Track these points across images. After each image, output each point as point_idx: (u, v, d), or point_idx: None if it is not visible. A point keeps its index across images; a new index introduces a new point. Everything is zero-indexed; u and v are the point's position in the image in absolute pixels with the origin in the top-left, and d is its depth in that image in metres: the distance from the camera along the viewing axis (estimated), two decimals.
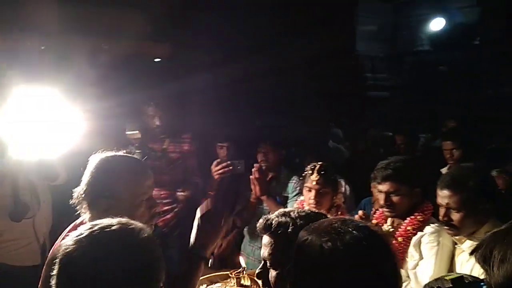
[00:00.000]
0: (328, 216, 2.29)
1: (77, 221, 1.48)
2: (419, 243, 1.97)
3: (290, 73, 6.18)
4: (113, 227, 0.97)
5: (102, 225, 0.98)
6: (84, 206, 1.41)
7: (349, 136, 5.04)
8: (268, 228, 1.26)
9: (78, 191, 1.41)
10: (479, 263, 0.93)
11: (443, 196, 1.81)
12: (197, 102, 4.37)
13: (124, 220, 1.01)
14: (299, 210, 1.29)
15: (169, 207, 3.15)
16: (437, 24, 6.91)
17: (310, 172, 2.34)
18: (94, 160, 1.44)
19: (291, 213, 1.26)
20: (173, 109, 3.27)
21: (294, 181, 3.04)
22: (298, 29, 6.07)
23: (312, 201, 2.29)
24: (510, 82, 5.68)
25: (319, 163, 2.38)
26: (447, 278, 1.24)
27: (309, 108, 6.39)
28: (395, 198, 2.04)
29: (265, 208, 2.80)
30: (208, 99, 4.50)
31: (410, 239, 2.00)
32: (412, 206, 2.06)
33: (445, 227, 1.82)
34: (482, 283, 1.11)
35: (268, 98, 5.77)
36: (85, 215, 1.43)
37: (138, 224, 1.03)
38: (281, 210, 1.31)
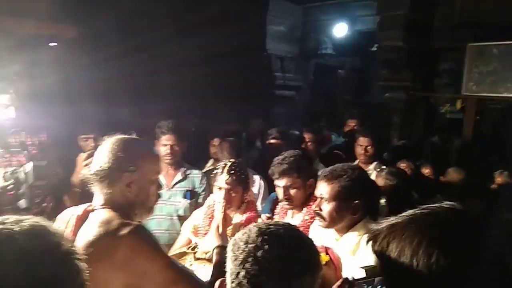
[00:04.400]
0: (238, 213, 2.33)
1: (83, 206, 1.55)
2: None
3: (200, 69, 6.09)
4: None
5: None
6: (104, 183, 1.49)
7: (259, 132, 5.11)
8: None
9: (97, 169, 1.49)
10: (375, 253, 0.96)
11: (319, 187, 1.91)
12: (95, 92, 4.06)
13: None
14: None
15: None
16: (340, 29, 7.33)
17: (220, 171, 2.32)
18: (110, 141, 1.54)
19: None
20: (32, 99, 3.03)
21: (199, 176, 3.03)
22: (209, 25, 5.99)
23: (222, 199, 2.29)
24: (402, 87, 6.24)
25: (229, 161, 2.37)
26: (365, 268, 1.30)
27: (219, 104, 6.37)
28: (292, 192, 2.16)
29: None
30: (110, 90, 4.21)
31: (309, 228, 2.10)
32: (307, 197, 2.21)
33: (317, 217, 1.90)
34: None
35: (176, 93, 5.62)
36: (98, 196, 1.52)
37: None
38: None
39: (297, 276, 0.98)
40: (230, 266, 1.02)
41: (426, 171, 3.60)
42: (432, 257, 0.84)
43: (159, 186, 1.64)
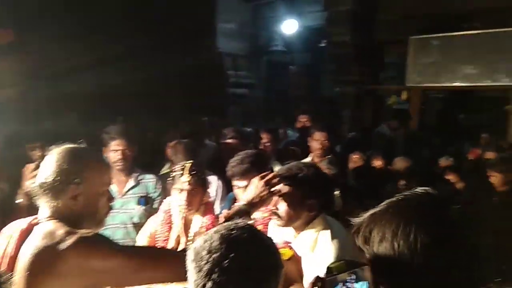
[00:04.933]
0: (198, 214, 2.30)
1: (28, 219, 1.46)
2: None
3: (152, 70, 5.97)
4: None
5: None
6: (49, 196, 1.42)
7: (213, 131, 5.07)
8: None
9: (41, 181, 1.42)
10: (360, 243, 0.98)
11: (280, 188, 1.86)
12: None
13: None
14: None
15: None
16: (289, 26, 7.42)
17: (181, 173, 2.27)
18: (56, 151, 1.47)
19: None
20: None
21: (153, 180, 2.96)
22: (158, 25, 5.88)
23: (183, 202, 2.24)
24: (351, 82, 6.42)
25: (188, 162, 2.32)
26: (331, 266, 1.31)
27: (172, 106, 6.28)
28: None
29: None
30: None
31: (268, 225, 2.09)
32: None
33: (273, 217, 1.88)
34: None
35: (127, 96, 5.48)
36: (44, 209, 1.44)
37: None
38: None
39: (265, 279, 0.98)
40: (193, 278, 0.97)
41: (378, 163, 3.72)
42: (410, 236, 0.87)
43: (111, 198, 1.56)
